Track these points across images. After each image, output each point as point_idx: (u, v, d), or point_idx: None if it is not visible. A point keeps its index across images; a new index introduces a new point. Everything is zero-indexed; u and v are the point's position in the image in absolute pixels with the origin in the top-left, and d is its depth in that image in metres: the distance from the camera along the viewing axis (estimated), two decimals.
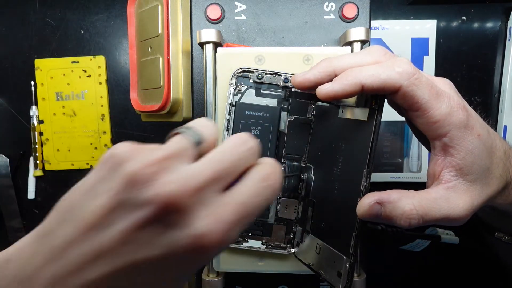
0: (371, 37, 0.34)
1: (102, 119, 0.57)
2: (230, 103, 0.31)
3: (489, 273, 0.53)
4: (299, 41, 0.36)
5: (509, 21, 0.52)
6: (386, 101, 0.26)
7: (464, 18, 0.53)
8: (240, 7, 0.36)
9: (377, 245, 0.48)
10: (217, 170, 0.19)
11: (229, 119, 0.31)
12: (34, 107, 0.57)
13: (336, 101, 0.29)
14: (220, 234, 0.18)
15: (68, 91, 0.57)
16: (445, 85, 0.27)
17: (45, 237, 0.18)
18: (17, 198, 0.58)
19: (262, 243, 0.33)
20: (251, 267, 0.35)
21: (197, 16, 0.36)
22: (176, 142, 0.20)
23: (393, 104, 0.30)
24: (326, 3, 0.36)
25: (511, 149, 0.28)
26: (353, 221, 0.26)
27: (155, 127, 0.58)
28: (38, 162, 0.57)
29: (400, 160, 0.54)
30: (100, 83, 0.57)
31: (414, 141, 0.54)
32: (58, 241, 0.18)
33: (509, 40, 0.52)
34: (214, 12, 0.36)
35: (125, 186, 0.17)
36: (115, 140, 0.58)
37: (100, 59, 0.56)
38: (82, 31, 0.56)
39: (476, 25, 0.53)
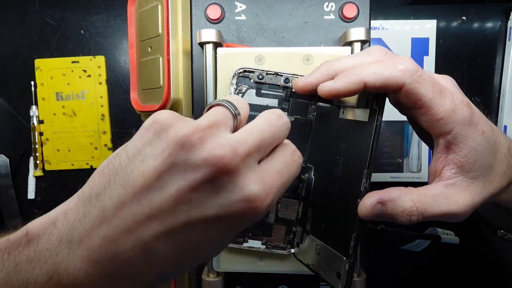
0: (371, 37, 0.34)
1: (102, 119, 0.57)
2: None
3: (489, 273, 0.53)
4: (299, 41, 0.36)
5: (509, 21, 0.52)
6: (387, 101, 0.26)
7: (464, 18, 0.53)
8: (240, 7, 0.36)
9: (377, 245, 0.48)
10: (260, 139, 0.20)
11: None
12: (34, 107, 0.57)
13: (337, 102, 0.29)
14: (269, 197, 0.20)
15: (68, 91, 0.57)
16: (447, 82, 0.27)
17: (92, 200, 0.18)
18: (17, 198, 0.58)
19: (262, 243, 0.33)
20: (251, 267, 0.35)
21: (197, 16, 0.36)
22: (220, 112, 0.21)
23: (395, 103, 0.30)
24: (326, 3, 0.36)
25: None
26: (353, 222, 0.26)
27: None
28: (38, 162, 0.57)
29: (400, 160, 0.54)
30: (100, 83, 0.57)
31: (414, 141, 0.54)
32: (109, 202, 0.18)
33: (509, 40, 0.52)
34: (214, 12, 0.36)
35: (177, 148, 0.18)
36: (115, 140, 0.58)
37: (100, 59, 0.56)
38: (82, 31, 0.56)
39: (476, 25, 0.53)
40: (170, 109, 0.38)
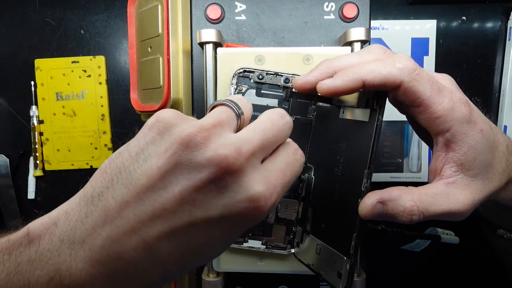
0: (371, 37, 0.34)
1: (102, 119, 0.57)
2: None
3: (489, 273, 0.53)
4: (299, 41, 0.36)
5: (509, 21, 0.52)
6: (387, 101, 0.26)
7: (464, 18, 0.53)
8: (240, 7, 0.36)
9: (377, 245, 0.48)
10: (264, 139, 0.20)
11: None
12: (34, 107, 0.57)
13: (337, 102, 0.29)
14: (273, 196, 0.19)
15: (68, 91, 0.57)
16: (446, 80, 0.27)
17: (94, 199, 0.18)
18: (17, 198, 0.58)
19: (262, 243, 0.33)
20: (251, 267, 0.35)
21: (197, 16, 0.36)
22: (223, 112, 0.21)
23: (394, 102, 0.30)
24: (326, 3, 0.36)
25: None
26: (354, 222, 0.26)
27: None
28: (38, 162, 0.57)
29: (400, 160, 0.54)
30: (100, 83, 0.57)
31: (414, 141, 0.54)
32: (112, 202, 0.18)
33: (509, 40, 0.52)
34: (214, 12, 0.36)
35: (181, 147, 0.18)
36: (115, 140, 0.58)
37: (100, 59, 0.56)
38: (82, 31, 0.56)
39: (476, 25, 0.53)
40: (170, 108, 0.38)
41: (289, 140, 0.24)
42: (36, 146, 0.57)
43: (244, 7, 0.36)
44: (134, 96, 0.44)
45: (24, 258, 0.18)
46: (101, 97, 0.57)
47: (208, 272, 0.36)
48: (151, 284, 0.19)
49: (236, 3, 0.36)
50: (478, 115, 0.25)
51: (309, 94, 0.31)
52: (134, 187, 0.18)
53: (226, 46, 0.35)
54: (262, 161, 0.21)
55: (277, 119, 0.22)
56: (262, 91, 0.31)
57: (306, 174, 0.31)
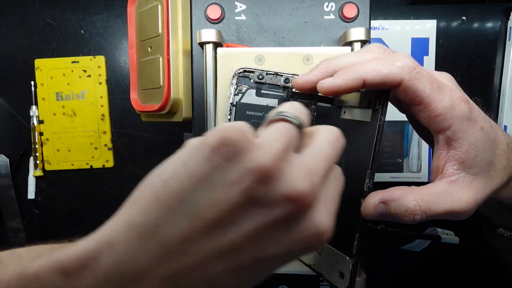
0: (371, 37, 0.34)
1: (102, 119, 0.57)
2: (230, 103, 0.31)
3: (489, 273, 0.53)
4: (299, 41, 0.36)
5: (509, 21, 0.52)
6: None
7: (464, 18, 0.53)
8: (240, 7, 0.36)
9: (377, 245, 0.48)
10: (326, 168, 0.19)
11: (229, 119, 0.31)
12: (34, 107, 0.57)
13: (338, 102, 0.29)
14: (332, 225, 0.19)
15: (68, 91, 0.57)
16: (446, 78, 0.27)
17: (149, 233, 0.16)
18: (17, 198, 0.58)
19: None
20: None
21: (197, 16, 0.36)
22: (288, 130, 0.19)
23: (394, 101, 0.30)
24: (326, 3, 0.36)
25: None
26: (356, 222, 0.26)
27: (155, 127, 0.58)
28: (38, 162, 0.57)
29: (400, 160, 0.54)
30: (100, 83, 0.57)
31: (414, 141, 0.54)
32: (173, 238, 0.16)
33: (509, 40, 0.52)
34: (214, 12, 0.36)
35: (255, 180, 0.16)
36: (115, 140, 0.58)
37: (100, 59, 0.56)
38: (82, 31, 0.56)
39: (476, 25, 0.53)
40: (170, 109, 0.38)
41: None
42: (36, 146, 0.57)
43: (244, 7, 0.36)
44: (134, 96, 0.44)
45: None
46: (101, 97, 0.57)
47: None
48: None
49: (236, 3, 0.36)
50: (478, 113, 0.25)
51: (309, 94, 0.31)
52: (200, 221, 0.16)
53: (226, 46, 0.35)
54: None
55: (336, 143, 0.21)
56: (262, 91, 0.31)
57: None
